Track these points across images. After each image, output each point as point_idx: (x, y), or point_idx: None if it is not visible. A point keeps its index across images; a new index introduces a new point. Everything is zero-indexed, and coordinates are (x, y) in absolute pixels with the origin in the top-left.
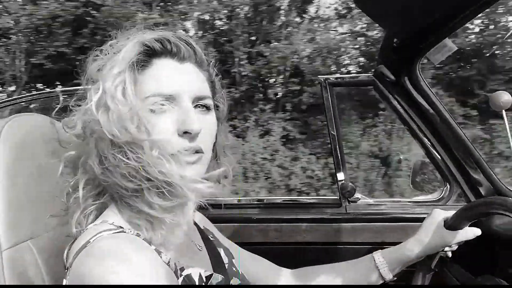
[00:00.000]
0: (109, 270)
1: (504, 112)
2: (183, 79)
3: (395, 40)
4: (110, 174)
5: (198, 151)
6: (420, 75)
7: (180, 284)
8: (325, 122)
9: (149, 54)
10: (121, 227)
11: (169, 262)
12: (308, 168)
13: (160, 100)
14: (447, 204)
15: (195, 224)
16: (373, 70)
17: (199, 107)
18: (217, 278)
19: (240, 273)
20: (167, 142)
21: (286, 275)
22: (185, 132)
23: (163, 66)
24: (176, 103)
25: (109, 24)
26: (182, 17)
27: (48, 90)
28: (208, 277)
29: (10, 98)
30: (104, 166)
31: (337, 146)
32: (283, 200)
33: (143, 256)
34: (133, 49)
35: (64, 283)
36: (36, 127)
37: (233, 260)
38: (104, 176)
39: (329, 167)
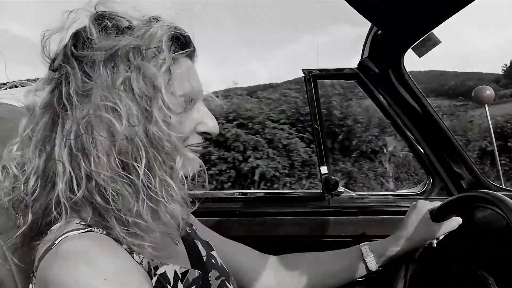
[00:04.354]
0: (75, 275)
1: (486, 107)
2: (199, 78)
3: (379, 32)
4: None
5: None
6: (404, 68)
7: (154, 284)
8: None
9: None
10: (89, 226)
11: (142, 261)
12: None
13: (183, 100)
14: (429, 197)
15: None
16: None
17: None
18: (194, 274)
19: (220, 264)
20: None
21: (270, 262)
22: (204, 133)
23: (186, 64)
24: (194, 102)
25: None
26: None
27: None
28: (184, 274)
29: None
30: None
31: (321, 140)
32: (266, 194)
33: (112, 258)
34: (167, 43)
35: None
36: (6, 117)
37: (212, 252)
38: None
39: None
